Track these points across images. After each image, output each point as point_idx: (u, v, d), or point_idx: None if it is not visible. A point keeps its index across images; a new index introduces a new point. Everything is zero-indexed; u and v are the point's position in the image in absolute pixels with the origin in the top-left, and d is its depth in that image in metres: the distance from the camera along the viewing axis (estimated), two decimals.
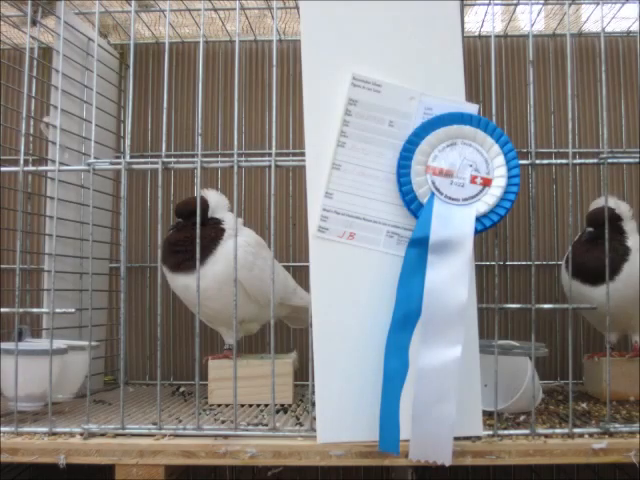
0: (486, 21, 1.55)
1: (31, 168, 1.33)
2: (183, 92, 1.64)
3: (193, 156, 1.42)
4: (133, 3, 1.27)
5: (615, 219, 1.39)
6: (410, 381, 1.03)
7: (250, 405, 1.38)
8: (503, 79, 1.59)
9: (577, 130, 1.57)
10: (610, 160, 1.12)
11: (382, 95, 1.07)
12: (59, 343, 1.26)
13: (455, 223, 1.03)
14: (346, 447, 1.06)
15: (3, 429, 1.15)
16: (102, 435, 1.16)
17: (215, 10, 1.52)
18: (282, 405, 1.36)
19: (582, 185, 1.61)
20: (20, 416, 1.19)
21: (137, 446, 1.12)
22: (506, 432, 1.12)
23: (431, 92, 1.07)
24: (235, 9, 1.47)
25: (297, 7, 1.49)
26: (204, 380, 1.39)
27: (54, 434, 1.16)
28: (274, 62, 1.15)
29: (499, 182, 1.04)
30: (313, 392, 1.09)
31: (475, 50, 1.58)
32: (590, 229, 1.38)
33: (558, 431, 1.13)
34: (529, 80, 1.15)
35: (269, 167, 1.14)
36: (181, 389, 1.58)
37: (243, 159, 1.18)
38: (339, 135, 1.06)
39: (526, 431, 1.12)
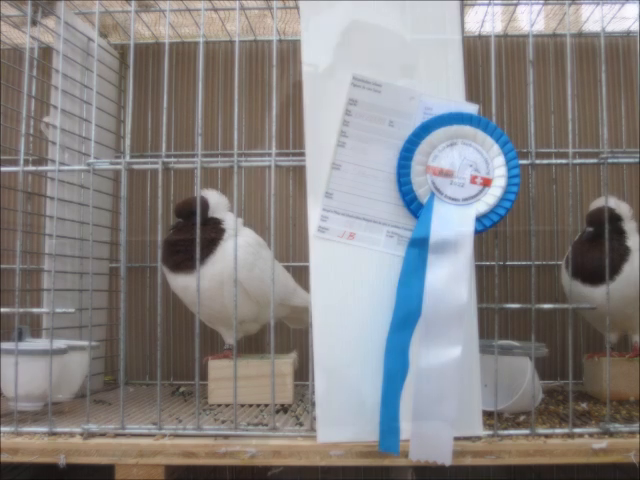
0: (486, 21, 1.55)
1: (31, 168, 1.33)
2: (183, 92, 1.64)
3: (193, 156, 1.42)
4: (133, 3, 1.27)
5: (615, 219, 1.39)
6: (410, 381, 1.03)
7: (250, 405, 1.38)
8: (503, 79, 1.59)
9: (577, 130, 1.57)
10: (610, 160, 1.12)
11: (382, 95, 1.07)
12: (59, 343, 1.26)
13: (455, 223, 1.03)
14: (346, 447, 1.06)
15: (3, 429, 1.15)
16: (102, 435, 1.16)
17: (215, 10, 1.52)
18: (282, 405, 1.36)
19: (582, 185, 1.61)
20: (20, 416, 1.19)
21: (137, 446, 1.12)
22: (506, 432, 1.12)
23: (431, 92, 1.07)
24: (235, 9, 1.47)
25: (297, 7, 1.49)
26: (204, 380, 1.39)
27: (54, 434, 1.16)
28: (274, 62, 1.15)
29: (499, 182, 1.04)
30: (313, 392, 1.09)
31: (475, 50, 1.58)
32: (590, 229, 1.38)
33: (558, 431, 1.13)
34: (529, 80, 1.15)
35: (269, 167, 1.14)
36: (181, 389, 1.58)
37: (243, 159, 1.19)
38: (339, 135, 1.06)
39: (526, 431, 1.12)
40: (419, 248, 1.03)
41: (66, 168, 1.33)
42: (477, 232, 1.04)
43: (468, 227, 1.02)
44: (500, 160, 1.04)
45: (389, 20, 1.08)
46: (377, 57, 1.07)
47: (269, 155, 1.15)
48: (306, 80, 1.07)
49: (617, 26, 1.58)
